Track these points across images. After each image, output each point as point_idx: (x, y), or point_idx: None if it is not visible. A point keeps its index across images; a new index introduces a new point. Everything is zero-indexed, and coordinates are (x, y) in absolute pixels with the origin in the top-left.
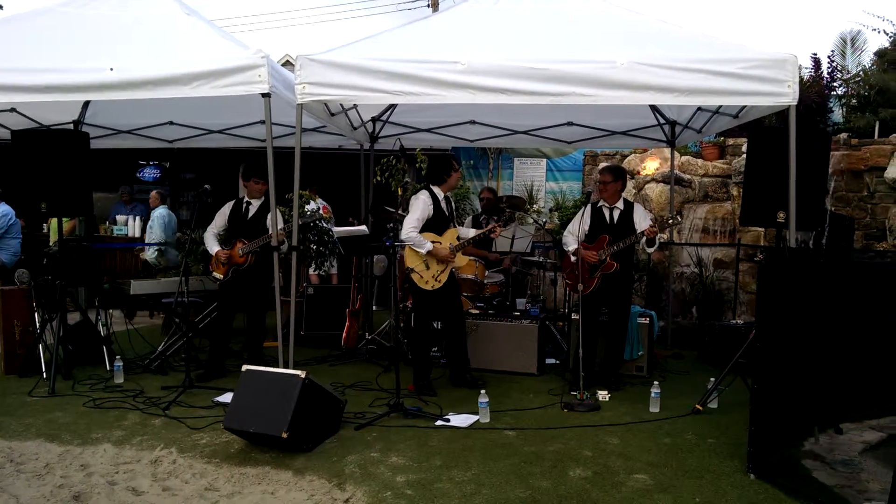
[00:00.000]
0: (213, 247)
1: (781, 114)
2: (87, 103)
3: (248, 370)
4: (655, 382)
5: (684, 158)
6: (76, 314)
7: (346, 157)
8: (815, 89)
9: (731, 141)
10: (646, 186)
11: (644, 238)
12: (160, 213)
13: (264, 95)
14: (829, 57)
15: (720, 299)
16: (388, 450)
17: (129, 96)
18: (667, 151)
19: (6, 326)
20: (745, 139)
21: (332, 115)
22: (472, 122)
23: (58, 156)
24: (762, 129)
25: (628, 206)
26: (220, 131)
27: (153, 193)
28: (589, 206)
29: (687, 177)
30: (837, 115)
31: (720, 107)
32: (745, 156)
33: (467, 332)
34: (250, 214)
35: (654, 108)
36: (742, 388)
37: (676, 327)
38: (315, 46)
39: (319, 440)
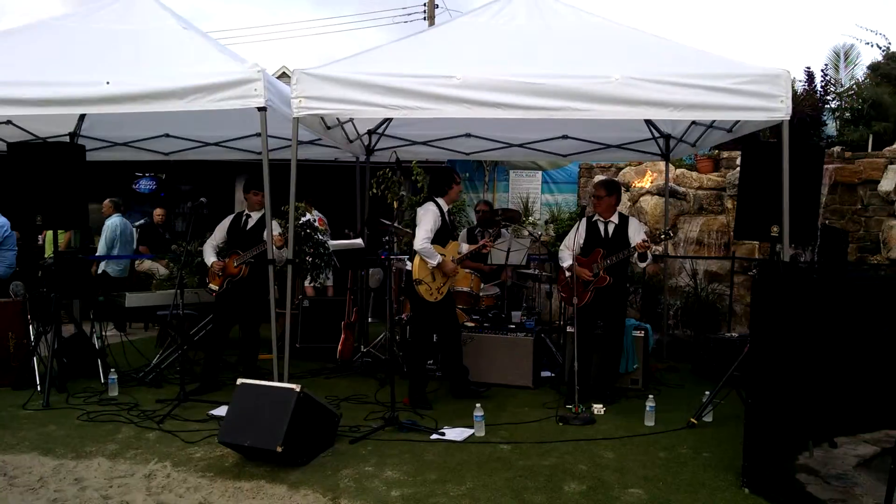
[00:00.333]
0: (209, 258)
1: (776, 127)
2: (83, 116)
3: (242, 384)
4: (650, 396)
5: (679, 171)
6: (70, 326)
7: (341, 170)
8: (808, 102)
9: (725, 154)
10: (641, 199)
11: (636, 252)
12: (111, 222)
13: (260, 109)
14: (822, 70)
15: (715, 312)
16: (382, 464)
17: (125, 110)
18: (662, 164)
19: (0, 339)
20: (739, 152)
21: (329, 128)
22: (468, 135)
23: (54, 168)
24: (756, 144)
25: (623, 220)
26: (216, 144)
27: (106, 202)
28: (584, 220)
29: (682, 189)
30: (831, 128)
31: (714, 121)
32: (739, 169)
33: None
34: (249, 226)
35: (648, 121)
36: (737, 402)
37: (671, 340)
38: (311, 58)
39: (314, 454)
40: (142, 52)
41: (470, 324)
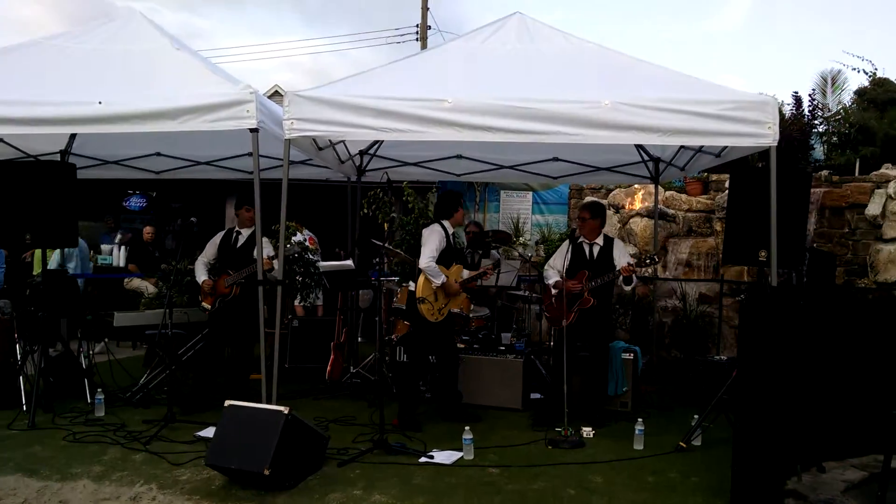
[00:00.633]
0: (200, 276)
1: (764, 152)
2: (74, 134)
3: (230, 405)
4: (639, 419)
5: (669, 193)
6: (58, 344)
7: (333, 189)
8: (796, 126)
9: (714, 177)
10: (630, 221)
11: (622, 276)
12: None
13: (252, 131)
14: (810, 95)
15: (704, 334)
16: (370, 487)
17: (117, 130)
18: (651, 186)
19: None
20: (728, 175)
21: (320, 149)
22: (459, 157)
23: (44, 187)
24: (744, 170)
25: (608, 242)
26: (207, 163)
27: None
28: (569, 242)
29: (671, 211)
30: (819, 152)
31: (703, 146)
32: (728, 192)
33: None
34: (239, 244)
35: (638, 145)
36: (726, 425)
37: (661, 362)
38: (305, 77)
39: (302, 477)
40: (134, 72)
41: (460, 345)
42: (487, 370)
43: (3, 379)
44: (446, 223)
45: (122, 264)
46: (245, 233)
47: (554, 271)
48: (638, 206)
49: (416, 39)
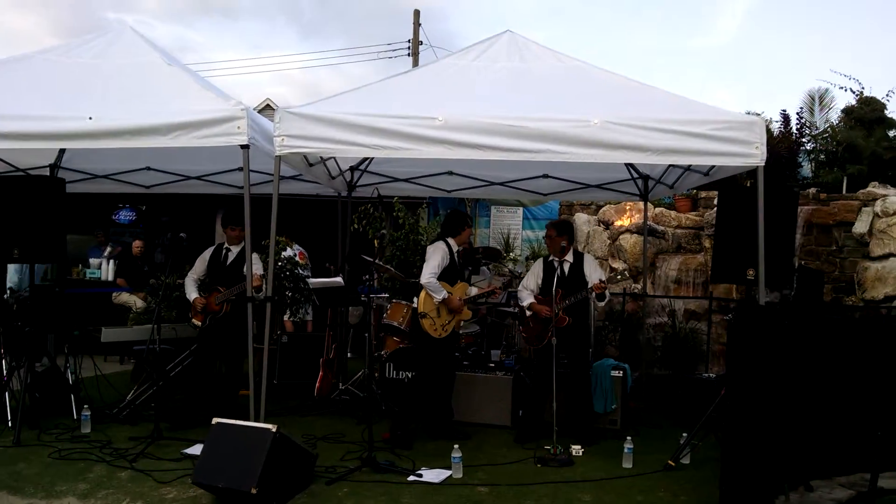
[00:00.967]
0: (191, 294)
1: (752, 171)
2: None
3: (218, 423)
4: (628, 438)
5: (658, 210)
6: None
7: (323, 204)
8: (784, 144)
9: (703, 193)
10: (620, 237)
11: (594, 293)
12: None
13: (243, 147)
14: (798, 113)
15: (693, 350)
16: None
17: (107, 145)
18: (641, 203)
19: None
20: (716, 192)
21: (311, 165)
22: (450, 173)
23: (32, 202)
24: (732, 189)
25: (578, 258)
26: (197, 177)
27: None
28: (541, 261)
29: (661, 228)
30: (807, 169)
31: (692, 164)
32: (716, 210)
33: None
34: (229, 261)
35: (627, 163)
36: (714, 444)
37: (650, 378)
38: (297, 90)
39: (290, 495)
40: (125, 87)
41: None
42: (477, 387)
43: None
44: (451, 241)
45: (110, 278)
46: (234, 249)
47: (527, 292)
48: (627, 222)
49: (408, 54)
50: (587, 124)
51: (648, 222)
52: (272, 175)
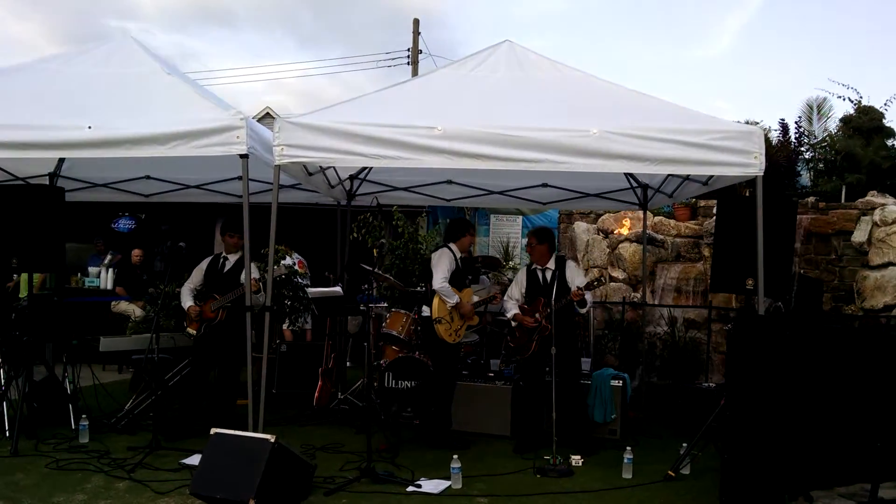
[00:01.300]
0: (186, 302)
1: (751, 180)
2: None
3: (216, 433)
4: (628, 448)
5: (657, 219)
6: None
7: (322, 212)
8: (783, 153)
9: (702, 202)
10: (619, 246)
11: (574, 301)
12: None
13: (242, 156)
14: (796, 122)
15: (693, 359)
16: None
17: (106, 155)
18: (640, 212)
19: None
20: (715, 201)
21: (310, 174)
22: (450, 182)
23: (32, 211)
24: (731, 198)
25: (560, 264)
26: (197, 186)
27: None
28: (524, 269)
29: (660, 237)
30: (805, 178)
31: (690, 174)
32: (715, 219)
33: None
34: (226, 269)
35: (626, 172)
36: (714, 454)
37: (650, 388)
38: (297, 99)
39: None
40: (125, 96)
41: None
42: (476, 397)
43: None
44: (453, 246)
45: (109, 287)
46: (232, 258)
47: (512, 302)
48: (627, 231)
49: (408, 63)
50: (586, 134)
51: (648, 231)
52: (271, 184)
